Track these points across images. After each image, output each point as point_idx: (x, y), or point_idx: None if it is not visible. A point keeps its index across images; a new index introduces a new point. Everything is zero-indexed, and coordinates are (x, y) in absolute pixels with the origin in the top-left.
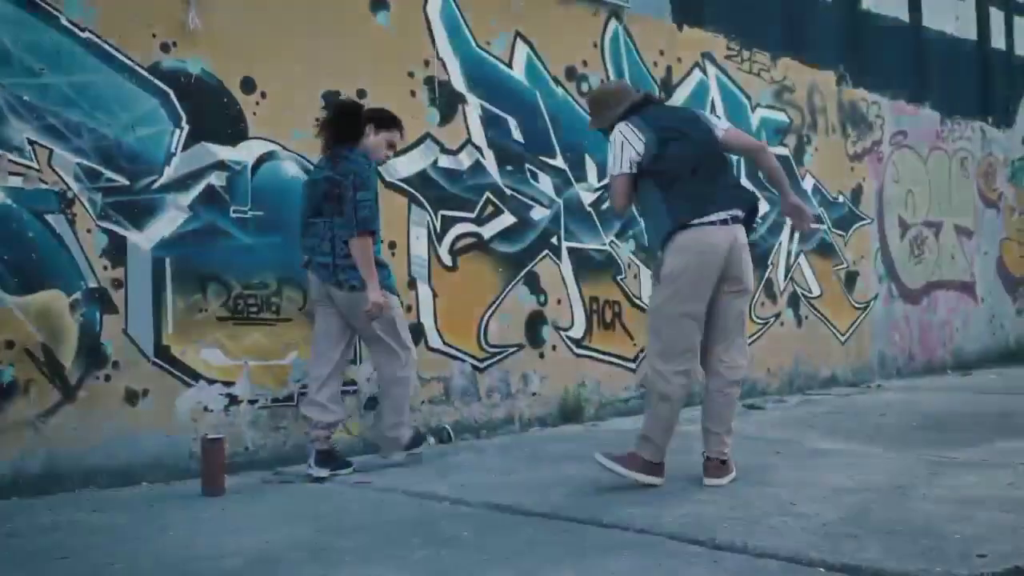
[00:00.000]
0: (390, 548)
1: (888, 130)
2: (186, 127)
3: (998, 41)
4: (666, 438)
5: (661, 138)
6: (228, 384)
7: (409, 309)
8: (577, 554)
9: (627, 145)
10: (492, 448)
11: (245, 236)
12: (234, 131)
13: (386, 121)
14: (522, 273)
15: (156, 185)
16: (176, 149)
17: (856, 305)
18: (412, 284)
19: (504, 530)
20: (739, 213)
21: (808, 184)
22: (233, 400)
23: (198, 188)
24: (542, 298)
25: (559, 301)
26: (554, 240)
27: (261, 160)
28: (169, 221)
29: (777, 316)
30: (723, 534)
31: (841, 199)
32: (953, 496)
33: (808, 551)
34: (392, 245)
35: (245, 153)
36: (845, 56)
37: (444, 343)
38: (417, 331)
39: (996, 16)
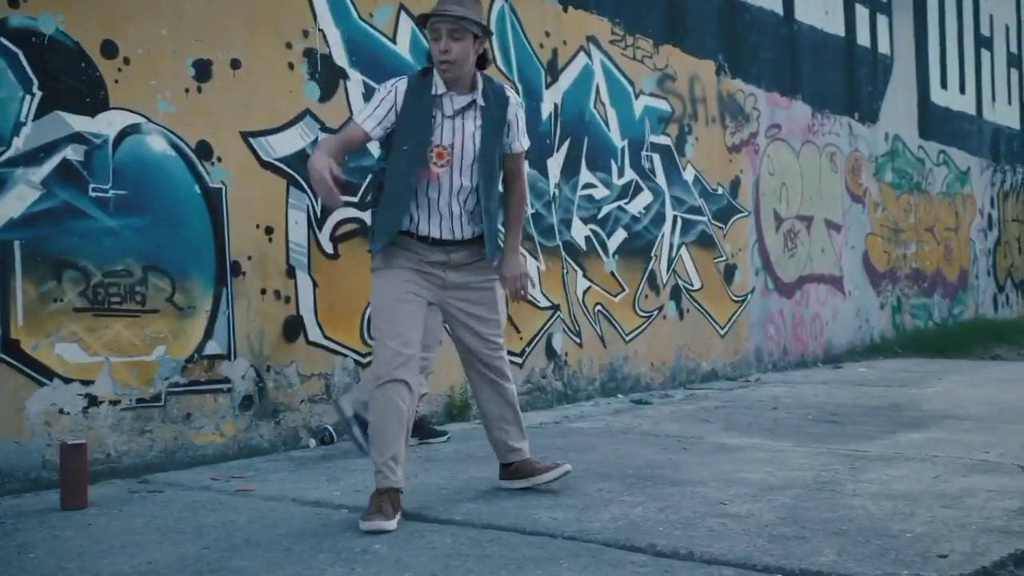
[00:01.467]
0: (295, 566)
1: (764, 122)
2: (38, 93)
3: (863, 38)
4: None
5: None
6: (86, 383)
7: (287, 300)
8: (512, 568)
9: None
10: None
11: (106, 217)
12: (93, 100)
13: None
14: None
15: (2, 159)
16: (26, 118)
17: (734, 298)
18: (291, 272)
19: (420, 541)
20: None
21: (689, 175)
22: (92, 401)
23: (52, 163)
24: None
25: None
26: None
27: (124, 133)
28: (18, 199)
29: (660, 309)
30: (662, 539)
31: (720, 190)
32: (884, 492)
33: (759, 556)
34: (268, 230)
35: (105, 125)
36: (723, 46)
37: (325, 336)
38: (296, 324)
39: (861, 12)
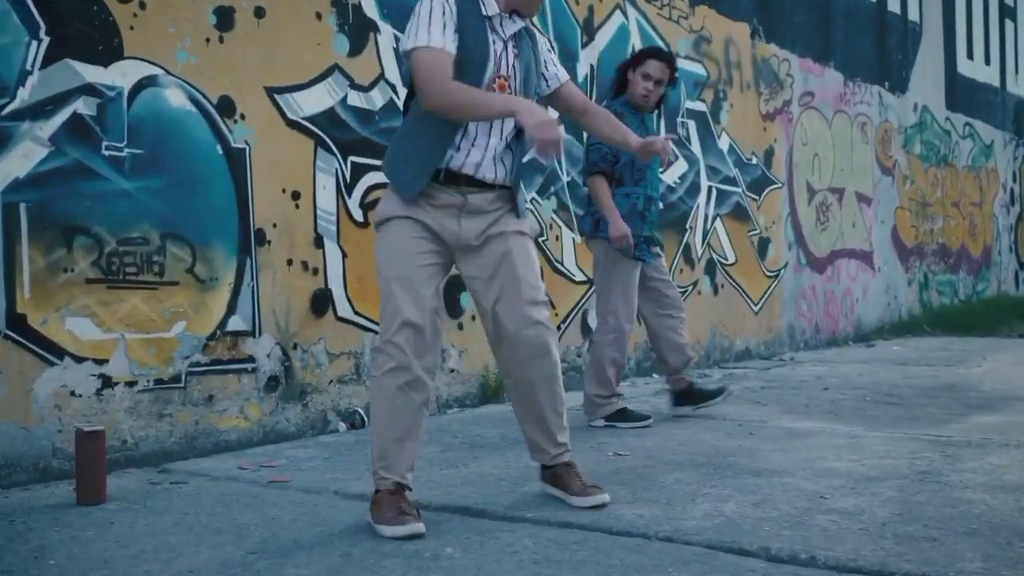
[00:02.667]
0: (361, 575)
1: (797, 90)
2: (45, 39)
3: (894, 4)
4: None
5: None
6: (100, 362)
7: (315, 272)
8: (620, 574)
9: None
10: None
11: (120, 178)
12: (106, 47)
13: (637, 56)
14: None
15: (6, 112)
16: (32, 67)
17: (768, 273)
18: (318, 242)
19: (495, 542)
20: None
21: (724, 143)
22: (107, 382)
23: (61, 117)
24: None
25: None
26: None
27: (140, 86)
28: (23, 157)
29: (695, 284)
30: (773, 541)
31: (755, 160)
32: (997, 483)
33: (894, 561)
34: (295, 196)
35: (120, 76)
36: (757, 8)
37: (355, 312)
38: (325, 298)
39: None
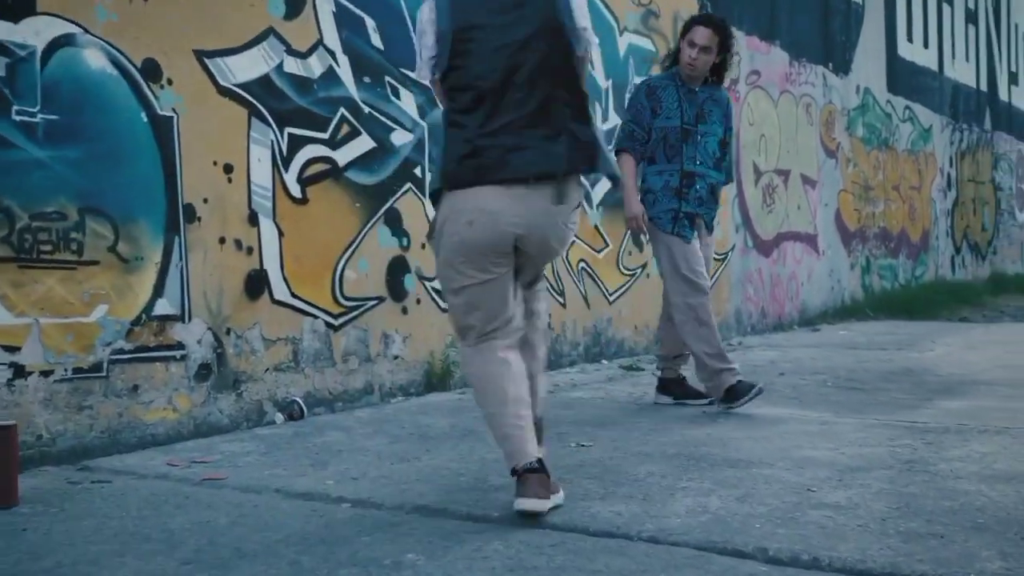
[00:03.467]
0: None
1: (744, 68)
2: None
3: None
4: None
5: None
6: (11, 350)
7: (250, 251)
8: None
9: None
10: (358, 425)
11: (34, 147)
12: (17, 2)
13: (686, 23)
14: (382, 210)
15: None
16: None
17: (715, 256)
18: (253, 219)
19: (461, 546)
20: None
21: None
22: (19, 371)
23: None
24: (405, 241)
25: (424, 245)
26: (418, 171)
27: (55, 45)
28: None
29: (643, 267)
30: (768, 541)
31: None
32: (989, 473)
33: (907, 562)
34: (227, 169)
35: (32, 34)
36: None
37: (293, 294)
38: (260, 280)
39: None
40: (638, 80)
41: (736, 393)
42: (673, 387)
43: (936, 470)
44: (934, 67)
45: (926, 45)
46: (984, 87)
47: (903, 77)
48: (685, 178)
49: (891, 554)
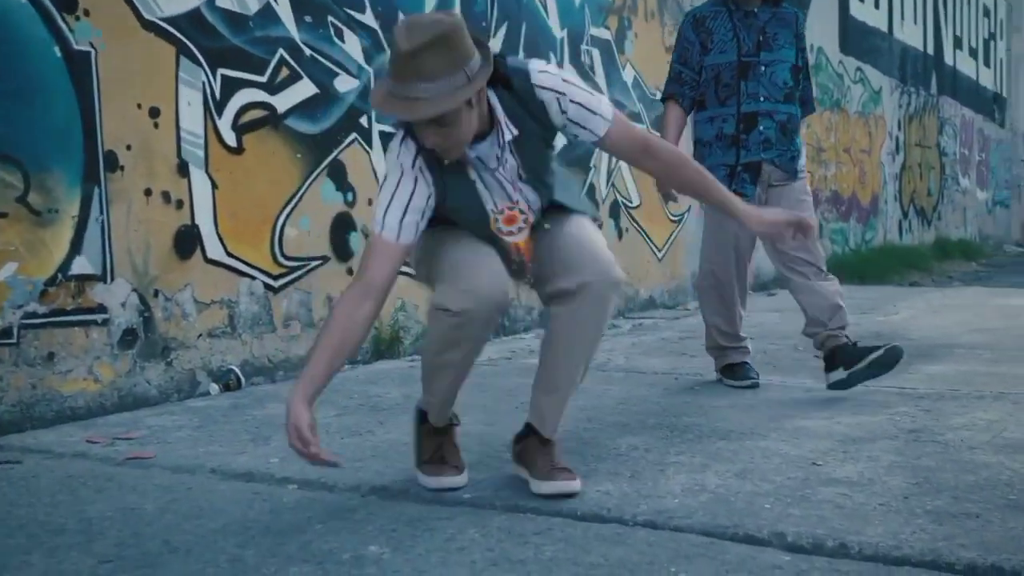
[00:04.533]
0: None
1: None
2: None
3: None
4: None
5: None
6: None
7: (180, 205)
8: None
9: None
10: None
11: None
12: None
13: None
14: (326, 162)
15: None
16: None
17: (672, 218)
18: (183, 169)
19: (432, 535)
20: None
21: (628, 76)
22: None
23: None
24: (350, 196)
25: (370, 201)
26: (363, 121)
27: None
28: None
29: (599, 227)
30: (783, 524)
31: (658, 96)
32: (1001, 442)
33: (948, 549)
34: (154, 113)
35: None
36: None
37: (228, 253)
38: (191, 237)
39: None
40: (594, 31)
41: (736, 373)
42: (842, 356)
43: (945, 440)
44: (884, 28)
45: (876, 5)
46: (931, 50)
47: (855, 37)
48: (744, 121)
49: (927, 538)
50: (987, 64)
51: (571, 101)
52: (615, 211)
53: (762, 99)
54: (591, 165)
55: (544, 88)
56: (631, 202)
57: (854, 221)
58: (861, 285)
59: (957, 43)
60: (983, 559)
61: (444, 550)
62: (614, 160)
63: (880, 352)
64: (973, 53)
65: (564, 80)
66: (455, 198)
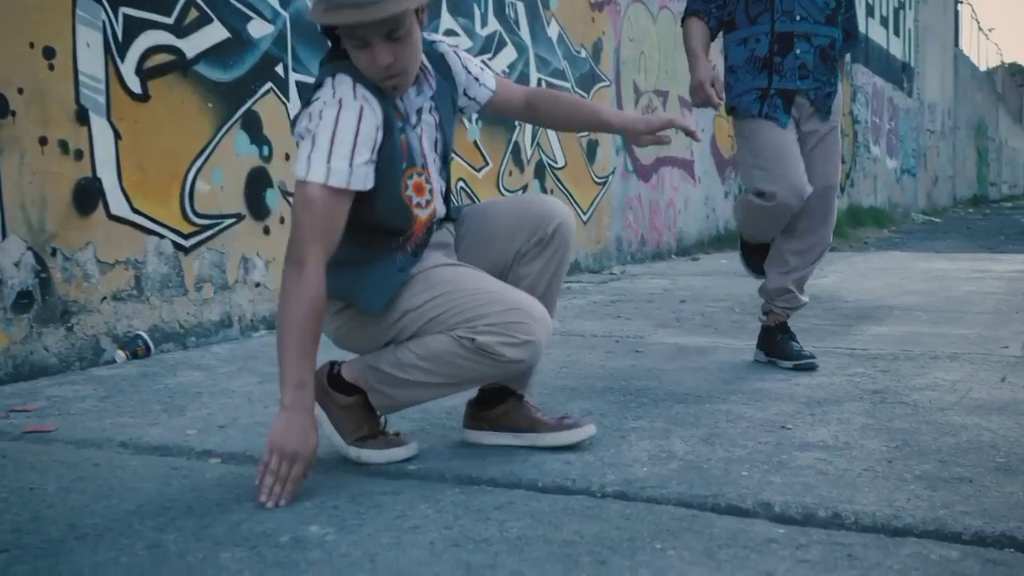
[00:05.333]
0: None
1: None
2: None
3: None
4: None
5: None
6: None
7: (79, 156)
8: (589, 562)
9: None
10: (218, 362)
11: None
12: None
13: None
14: (239, 112)
15: None
16: None
17: (596, 179)
18: (82, 117)
19: (379, 512)
20: None
21: (553, 32)
22: None
23: None
24: (265, 150)
25: (287, 156)
26: (279, 69)
27: None
28: None
29: (524, 189)
30: (765, 493)
31: (583, 53)
32: (970, 403)
33: (953, 516)
34: (48, 54)
35: None
36: None
37: (133, 210)
38: (92, 191)
39: None
40: None
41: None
42: (774, 344)
43: (912, 401)
44: None
45: None
46: None
47: None
48: (778, 41)
49: (924, 506)
50: (896, 33)
51: (464, 54)
52: (539, 172)
53: (798, 18)
54: (515, 124)
55: (440, 42)
56: (556, 162)
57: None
58: None
59: (869, 11)
60: (991, 527)
61: (396, 529)
62: None
63: (805, 362)
64: (884, 22)
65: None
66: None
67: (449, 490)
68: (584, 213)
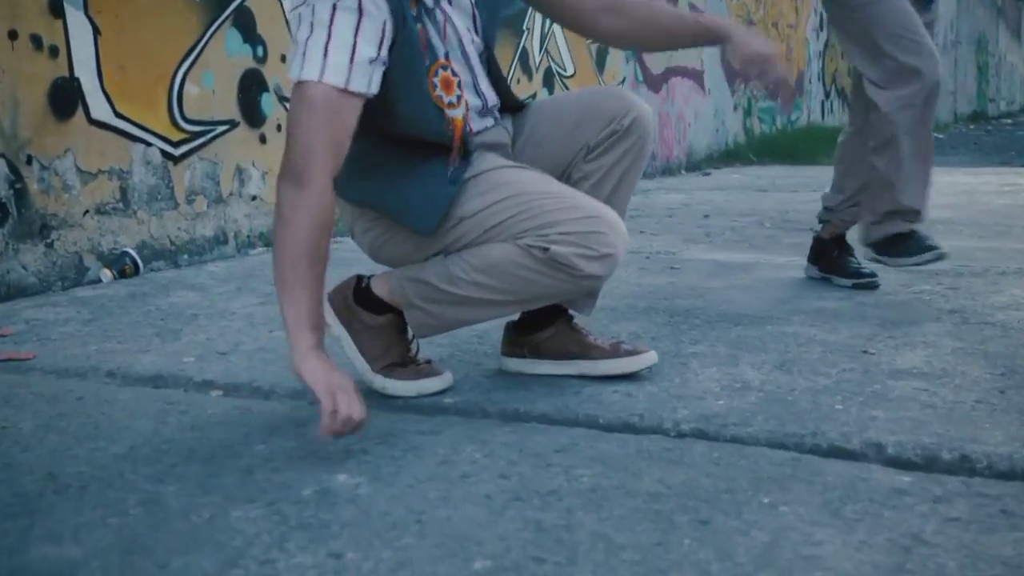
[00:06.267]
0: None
1: None
2: None
3: None
4: None
5: None
6: None
7: (55, 53)
8: (684, 513)
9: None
10: (213, 282)
11: None
12: None
13: None
14: (230, 8)
15: None
16: None
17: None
18: (56, 8)
19: (419, 456)
20: None
21: None
22: None
23: None
24: (260, 50)
25: (283, 57)
26: None
27: None
28: None
29: (533, 97)
30: (876, 431)
31: None
32: None
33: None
34: None
35: None
36: None
37: (116, 114)
38: (71, 92)
39: None
40: None
41: (906, 248)
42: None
43: (999, 321)
44: None
45: None
46: None
47: None
48: None
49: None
50: None
51: None
52: (548, 80)
53: None
54: (524, 28)
55: None
56: (565, 70)
57: (780, 100)
58: (795, 166)
59: None
60: None
61: (442, 479)
62: (547, 23)
63: (866, 281)
64: None
65: None
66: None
67: (497, 429)
68: None
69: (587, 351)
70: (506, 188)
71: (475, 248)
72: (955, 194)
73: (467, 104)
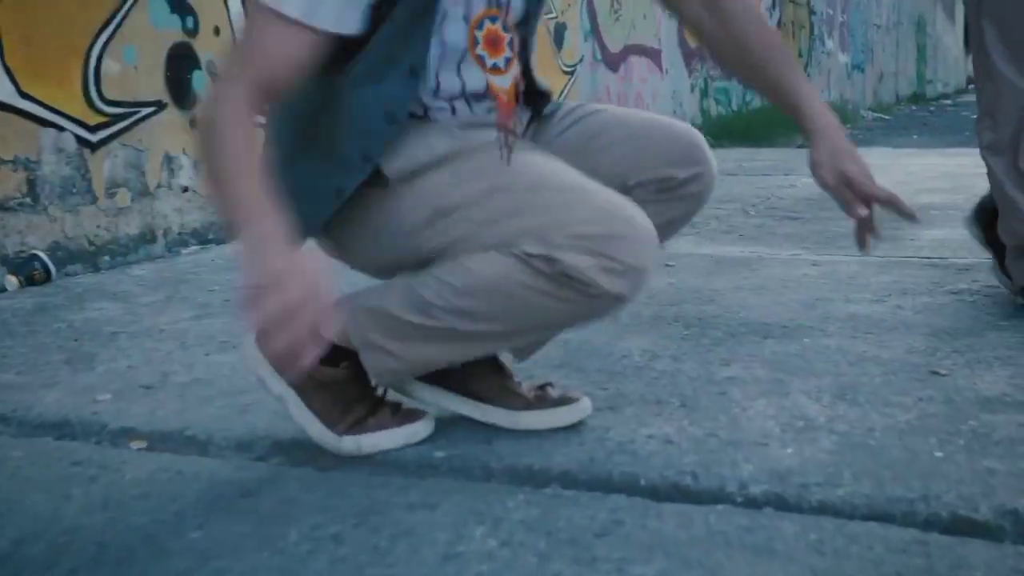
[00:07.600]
0: None
1: None
2: None
3: None
4: None
5: None
6: None
7: None
8: None
9: None
10: (140, 289)
11: None
12: None
13: None
14: None
15: None
16: None
17: (565, 69)
18: None
19: (414, 542)
20: None
21: None
22: None
23: None
24: (190, 21)
25: (218, 30)
26: None
27: None
28: None
29: None
30: (1006, 495)
31: None
32: None
33: None
34: None
35: None
36: None
37: (22, 94)
38: None
39: None
40: None
41: None
42: None
43: None
44: None
45: None
46: None
47: None
48: None
49: None
50: None
51: None
52: None
53: None
54: None
55: None
56: None
57: (736, 80)
58: (755, 148)
59: None
60: None
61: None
62: None
63: None
64: None
65: None
66: None
67: (509, 499)
68: None
69: (505, 397)
70: (501, 174)
71: (453, 261)
72: (935, 177)
73: (517, 78)
